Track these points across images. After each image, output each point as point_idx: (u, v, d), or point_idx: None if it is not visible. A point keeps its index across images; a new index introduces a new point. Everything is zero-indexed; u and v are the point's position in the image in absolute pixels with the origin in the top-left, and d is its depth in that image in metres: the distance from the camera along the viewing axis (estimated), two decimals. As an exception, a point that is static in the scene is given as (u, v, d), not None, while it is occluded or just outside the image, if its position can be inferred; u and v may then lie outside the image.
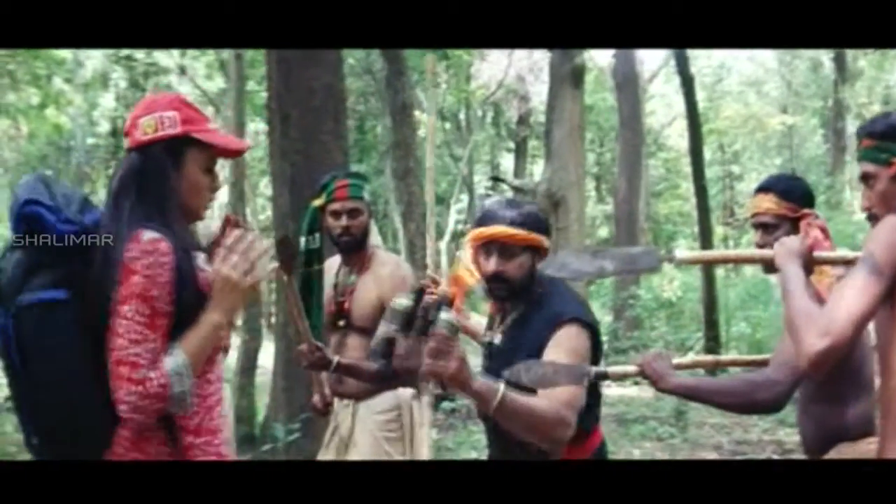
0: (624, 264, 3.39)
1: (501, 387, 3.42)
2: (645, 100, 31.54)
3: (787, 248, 3.20)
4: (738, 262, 3.53)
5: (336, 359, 4.97)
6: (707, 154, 35.00)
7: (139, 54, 22.28)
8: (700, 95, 27.07)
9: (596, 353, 3.85)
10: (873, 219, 3.21)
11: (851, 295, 2.79)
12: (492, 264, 3.83)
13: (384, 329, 3.66)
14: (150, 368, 2.97)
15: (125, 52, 22.06)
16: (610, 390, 15.00)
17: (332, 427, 5.37)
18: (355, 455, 5.16)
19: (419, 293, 3.48)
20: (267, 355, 12.61)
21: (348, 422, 5.24)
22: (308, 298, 5.17)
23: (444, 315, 3.36)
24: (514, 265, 3.82)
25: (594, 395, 3.92)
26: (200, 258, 3.23)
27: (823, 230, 3.94)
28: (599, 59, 31.04)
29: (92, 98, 24.63)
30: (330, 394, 5.36)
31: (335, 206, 5.13)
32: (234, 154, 3.52)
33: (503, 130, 35.94)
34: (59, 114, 21.48)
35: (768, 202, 4.10)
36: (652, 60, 32.17)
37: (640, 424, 12.11)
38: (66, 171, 27.16)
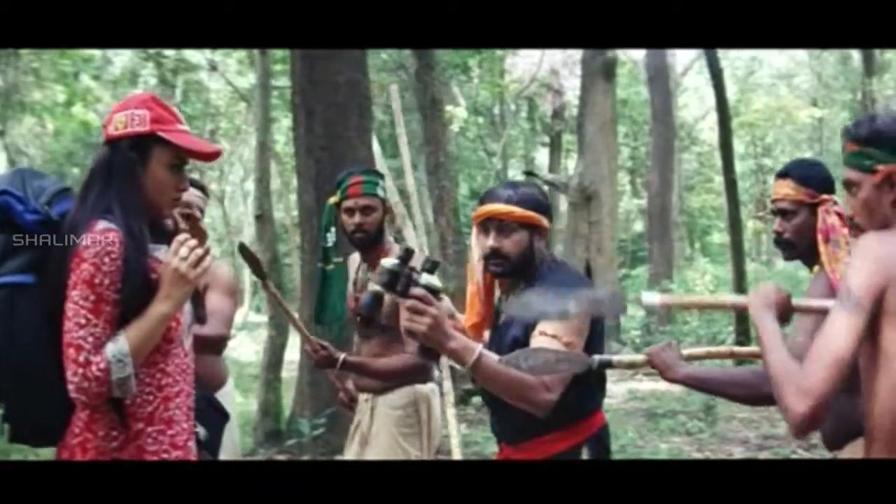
0: (589, 306, 3.35)
1: (479, 347, 3.53)
2: (678, 93, 31.42)
3: (761, 297, 3.06)
4: (711, 307, 3.43)
5: (342, 356, 5.00)
6: (740, 148, 34.83)
7: (168, 51, 22.38)
8: (732, 88, 26.83)
9: (594, 328, 3.87)
10: (856, 228, 3.10)
11: (830, 345, 2.71)
12: (490, 241, 3.94)
13: (371, 286, 3.82)
14: (93, 353, 3.17)
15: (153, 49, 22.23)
16: (641, 385, 14.97)
17: (356, 421, 5.40)
18: (372, 450, 5.19)
19: (407, 254, 3.57)
20: (293, 351, 12.64)
21: (367, 416, 5.26)
22: (326, 294, 5.34)
23: (426, 277, 3.46)
24: (511, 242, 3.92)
25: (597, 379, 3.96)
26: (161, 251, 3.42)
27: (841, 216, 3.89)
28: (632, 53, 30.96)
29: (121, 95, 24.74)
30: (353, 388, 5.42)
31: (349, 202, 5.17)
32: (204, 157, 3.59)
33: (538, 125, 35.86)
34: (87, 111, 21.59)
35: (786, 188, 4.06)
36: (685, 53, 32.07)
37: (670, 419, 12.04)
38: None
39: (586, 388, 3.82)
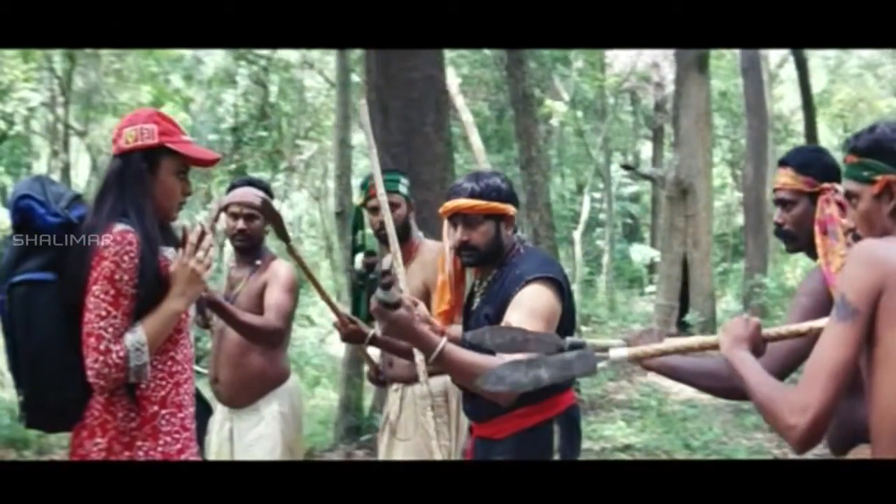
0: (560, 370, 3.30)
1: (442, 341, 3.67)
2: (774, 85, 30.88)
3: (731, 335, 3.05)
4: (680, 352, 3.31)
5: (372, 332, 5.01)
6: (833, 139, 34.16)
7: (262, 50, 22.58)
8: (823, 79, 26.16)
9: (566, 311, 4.03)
10: (857, 239, 3.05)
11: (826, 358, 2.70)
12: (458, 234, 4.16)
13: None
14: (113, 342, 3.50)
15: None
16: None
17: (386, 413, 5.49)
18: (401, 440, 5.26)
19: (369, 267, 4.19)
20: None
21: (396, 406, 5.37)
22: (359, 294, 5.42)
23: (380, 293, 3.62)
24: (478, 233, 4.16)
25: None
26: (169, 252, 3.77)
27: (842, 206, 3.75)
28: (727, 43, 30.38)
29: (216, 94, 25.00)
30: (383, 364, 5.52)
31: (372, 202, 5.34)
32: (206, 163, 4.00)
33: (641, 118, 35.60)
34: (178, 111, 21.88)
35: (785, 176, 3.93)
36: (778, 45, 31.47)
37: (755, 415, 11.84)
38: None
39: None
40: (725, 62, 31.48)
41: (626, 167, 27.76)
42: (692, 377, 3.81)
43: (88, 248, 3.56)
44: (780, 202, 3.95)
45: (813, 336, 2.91)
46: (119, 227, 3.57)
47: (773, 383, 2.83)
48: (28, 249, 3.64)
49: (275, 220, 5.02)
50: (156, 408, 3.68)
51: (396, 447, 5.27)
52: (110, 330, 3.50)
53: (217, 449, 5.64)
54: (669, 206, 19.63)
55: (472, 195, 4.13)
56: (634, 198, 37.93)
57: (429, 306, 4.59)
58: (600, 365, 3.27)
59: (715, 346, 3.12)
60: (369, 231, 5.67)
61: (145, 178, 3.73)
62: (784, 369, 3.60)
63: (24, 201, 3.62)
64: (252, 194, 5.41)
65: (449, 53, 20.70)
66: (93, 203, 3.75)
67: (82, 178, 26.88)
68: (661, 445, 10.75)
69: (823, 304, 3.58)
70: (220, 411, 5.66)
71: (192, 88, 24.96)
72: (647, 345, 3.41)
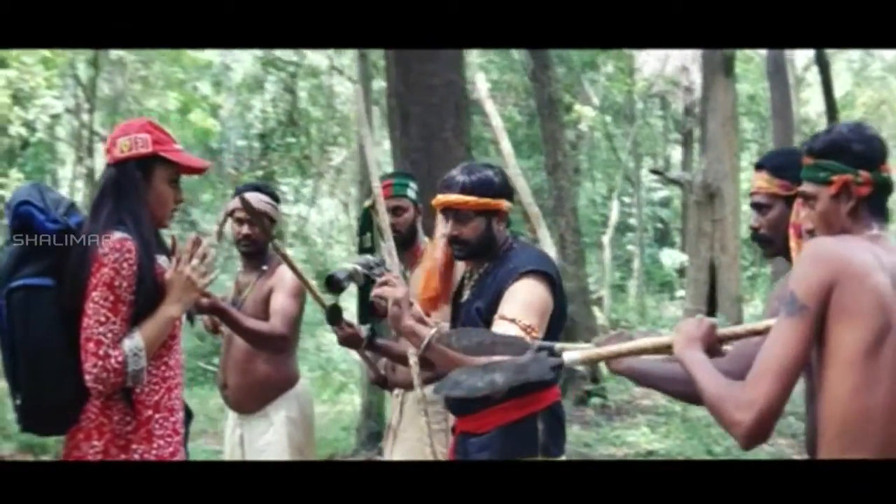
0: (515, 375, 3.30)
1: (433, 331, 3.74)
2: (801, 88, 30.68)
3: (684, 335, 3.02)
4: (632, 354, 3.25)
5: (368, 335, 5.03)
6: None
7: (290, 56, 22.60)
8: (848, 82, 25.82)
9: (558, 306, 4.08)
10: None
11: (773, 354, 2.70)
12: (449, 228, 4.19)
13: (349, 264, 4.34)
14: (112, 347, 3.60)
15: (275, 54, 22.44)
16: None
17: (389, 417, 5.49)
18: (400, 445, 5.28)
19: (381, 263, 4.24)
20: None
21: (397, 411, 5.37)
22: (366, 296, 5.31)
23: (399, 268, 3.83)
24: (469, 228, 4.19)
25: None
26: (162, 259, 3.87)
27: None
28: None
29: (245, 100, 25.04)
30: (386, 366, 5.47)
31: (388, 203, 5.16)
32: (198, 171, 4.18)
33: (671, 122, 35.44)
34: (206, 117, 21.91)
35: (760, 180, 3.85)
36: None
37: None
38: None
39: None
40: (754, 66, 31.29)
41: (654, 171, 27.59)
42: (661, 382, 3.70)
43: (87, 254, 3.65)
44: (756, 206, 3.87)
45: None
46: (117, 234, 3.67)
47: (722, 381, 2.80)
48: (27, 255, 3.71)
49: (257, 216, 5.12)
50: (150, 412, 3.77)
51: (396, 451, 5.27)
52: (109, 335, 3.60)
53: (230, 452, 5.69)
54: (697, 210, 19.52)
55: (464, 191, 4.14)
56: (665, 202, 37.72)
57: None
58: (558, 368, 3.27)
59: (669, 348, 3.09)
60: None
61: (140, 186, 3.82)
62: None
63: (23, 207, 3.70)
64: (257, 200, 5.39)
65: (478, 59, 20.68)
66: (89, 211, 3.85)
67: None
68: (684, 451, 10.72)
69: None
70: (231, 417, 5.71)
71: (221, 95, 25.05)
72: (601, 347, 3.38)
